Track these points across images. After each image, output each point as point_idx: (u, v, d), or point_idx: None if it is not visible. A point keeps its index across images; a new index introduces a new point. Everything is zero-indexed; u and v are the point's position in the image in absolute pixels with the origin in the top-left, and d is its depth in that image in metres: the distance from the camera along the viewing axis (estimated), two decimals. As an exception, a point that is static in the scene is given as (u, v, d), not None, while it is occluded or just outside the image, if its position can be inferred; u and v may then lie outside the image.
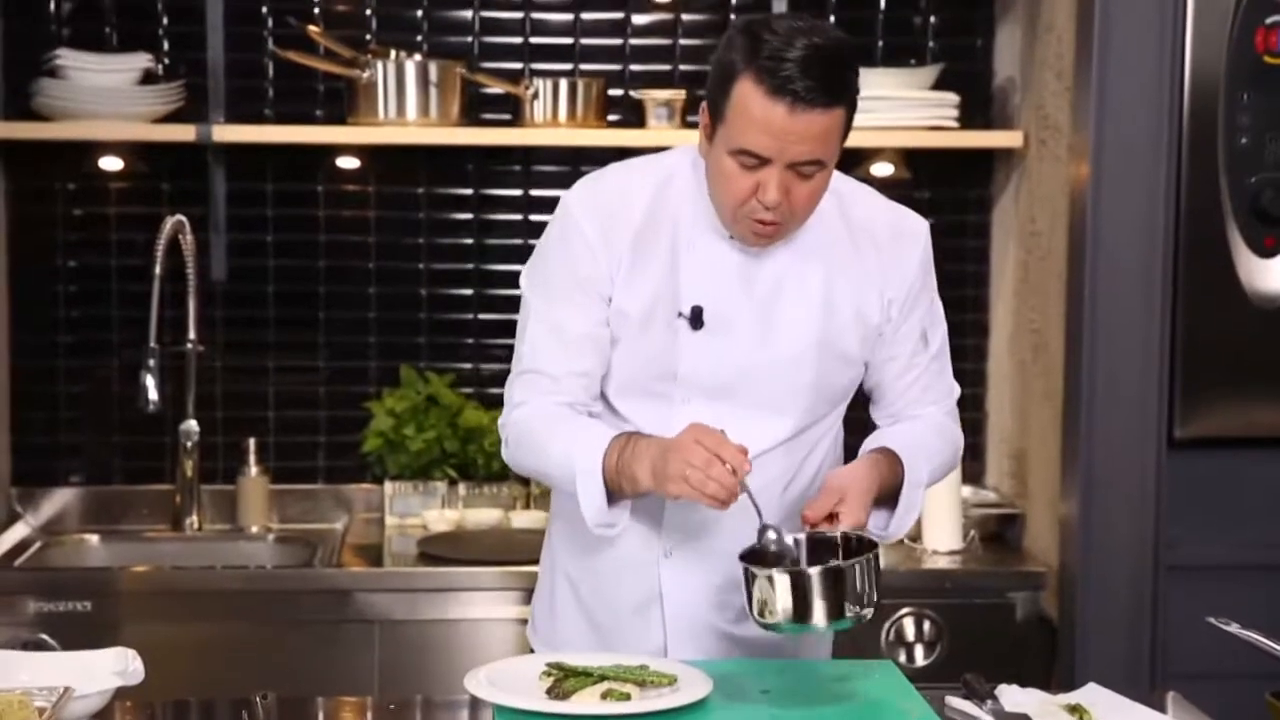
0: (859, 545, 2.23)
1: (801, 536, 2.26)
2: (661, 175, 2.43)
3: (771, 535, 2.25)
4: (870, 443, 2.45)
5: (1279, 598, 3.16)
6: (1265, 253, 3.25)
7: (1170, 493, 3.25)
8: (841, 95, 2.26)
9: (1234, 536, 3.29)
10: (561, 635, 2.54)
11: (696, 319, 2.38)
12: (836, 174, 2.40)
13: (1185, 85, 3.22)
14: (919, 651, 3.37)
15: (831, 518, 2.26)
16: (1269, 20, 3.21)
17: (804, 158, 2.25)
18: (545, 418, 2.39)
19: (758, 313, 2.39)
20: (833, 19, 3.89)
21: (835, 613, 2.16)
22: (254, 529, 3.76)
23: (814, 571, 2.16)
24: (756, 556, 2.23)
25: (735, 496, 2.19)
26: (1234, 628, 2.27)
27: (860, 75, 2.31)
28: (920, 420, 2.50)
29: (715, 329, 2.38)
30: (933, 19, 3.92)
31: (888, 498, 2.36)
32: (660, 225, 2.40)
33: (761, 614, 2.18)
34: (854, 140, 3.39)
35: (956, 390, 2.57)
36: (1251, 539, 3.32)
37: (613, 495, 2.30)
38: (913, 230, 2.47)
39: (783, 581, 2.15)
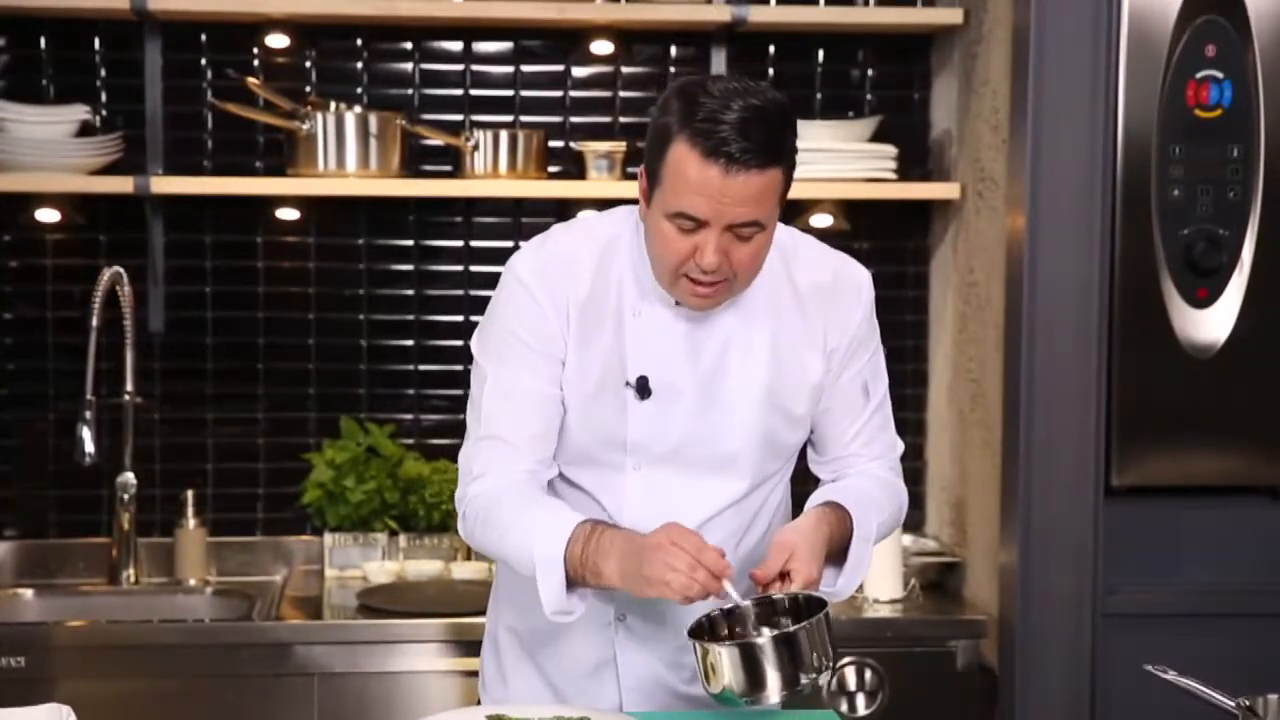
0: (808, 605, 2.20)
1: (747, 602, 2.22)
2: (605, 240, 2.43)
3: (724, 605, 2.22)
4: (816, 498, 2.44)
5: (1215, 645, 3.19)
6: (1198, 304, 3.29)
7: (1107, 541, 3.27)
8: (778, 156, 2.25)
9: (1170, 584, 3.32)
10: (515, 695, 2.52)
11: (643, 389, 2.37)
12: (781, 227, 2.40)
13: (1118, 138, 3.26)
14: (860, 701, 3.37)
15: (783, 576, 2.24)
16: (1200, 74, 3.26)
17: (742, 219, 2.24)
18: (507, 497, 2.35)
19: (705, 378, 2.39)
20: (771, 71, 3.93)
21: (790, 681, 2.12)
22: (192, 582, 3.73)
23: (764, 641, 2.12)
24: (709, 624, 2.21)
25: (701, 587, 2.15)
26: (1171, 675, 2.29)
27: (798, 133, 2.31)
28: (865, 476, 2.50)
29: (662, 397, 2.37)
30: (870, 72, 3.97)
31: (835, 554, 2.35)
32: (606, 294, 2.39)
33: (714, 686, 2.15)
34: (793, 192, 3.41)
35: (900, 446, 2.58)
36: (1187, 587, 3.34)
37: (573, 583, 2.26)
38: (855, 282, 2.48)
39: (732, 654, 2.12)
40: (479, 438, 2.41)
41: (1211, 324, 3.30)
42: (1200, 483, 3.36)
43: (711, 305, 2.35)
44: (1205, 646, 3.10)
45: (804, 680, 2.13)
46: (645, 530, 2.25)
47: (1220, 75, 3.26)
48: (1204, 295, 3.29)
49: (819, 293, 2.44)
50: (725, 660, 2.12)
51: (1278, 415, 3.32)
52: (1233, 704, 2.20)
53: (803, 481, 2.53)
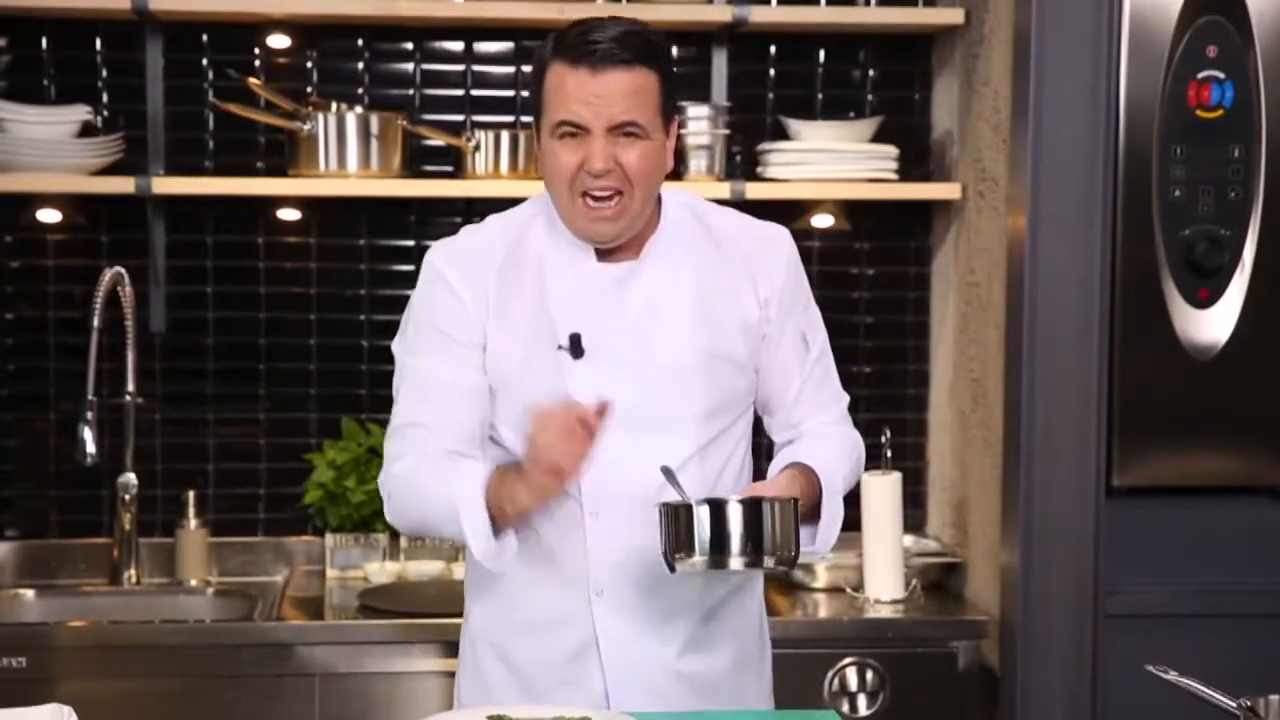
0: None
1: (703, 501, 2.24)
2: (519, 219, 2.52)
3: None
4: (779, 462, 2.48)
5: (1216, 645, 3.19)
6: (1199, 304, 3.29)
7: (1108, 541, 3.27)
8: (643, 56, 2.36)
9: (1171, 585, 3.32)
10: (488, 696, 2.52)
11: (576, 346, 2.41)
12: (694, 196, 2.52)
13: (1120, 139, 3.26)
14: (862, 701, 3.37)
15: None
16: (1201, 75, 3.26)
17: (620, 118, 2.34)
18: (424, 465, 2.39)
19: (636, 332, 2.43)
20: (772, 71, 3.93)
21: (752, 548, 2.19)
22: (193, 582, 3.73)
23: (733, 500, 2.20)
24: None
25: (589, 443, 2.21)
26: (1172, 675, 2.29)
27: (673, 60, 2.44)
28: (820, 433, 2.52)
29: (596, 355, 2.41)
30: (871, 72, 3.96)
31: (808, 513, 2.38)
32: (524, 263, 2.46)
33: (677, 551, 2.20)
34: (794, 192, 3.43)
35: (845, 396, 2.61)
36: (1189, 587, 3.34)
37: (499, 530, 2.30)
38: (774, 235, 2.55)
39: (701, 511, 2.19)
40: (395, 427, 2.46)
41: (1213, 324, 3.30)
42: (1201, 483, 3.36)
43: (612, 229, 2.39)
44: (1207, 647, 3.10)
45: (766, 559, 2.20)
46: (605, 497, 2.34)
47: (1221, 76, 3.26)
48: (1205, 296, 3.29)
49: (738, 244, 2.51)
50: (694, 518, 2.18)
51: (1277, 416, 3.32)
52: (1234, 704, 2.20)
53: (764, 459, 2.53)
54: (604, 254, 2.46)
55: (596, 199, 2.36)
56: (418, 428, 2.42)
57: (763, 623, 2.63)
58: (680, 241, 2.48)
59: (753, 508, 2.21)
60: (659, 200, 2.50)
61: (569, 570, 2.44)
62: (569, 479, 2.25)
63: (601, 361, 2.41)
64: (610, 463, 2.35)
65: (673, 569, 2.24)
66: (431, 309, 2.47)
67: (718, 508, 2.20)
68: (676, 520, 2.22)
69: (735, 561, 2.21)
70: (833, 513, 2.41)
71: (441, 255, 2.51)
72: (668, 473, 2.33)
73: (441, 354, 2.43)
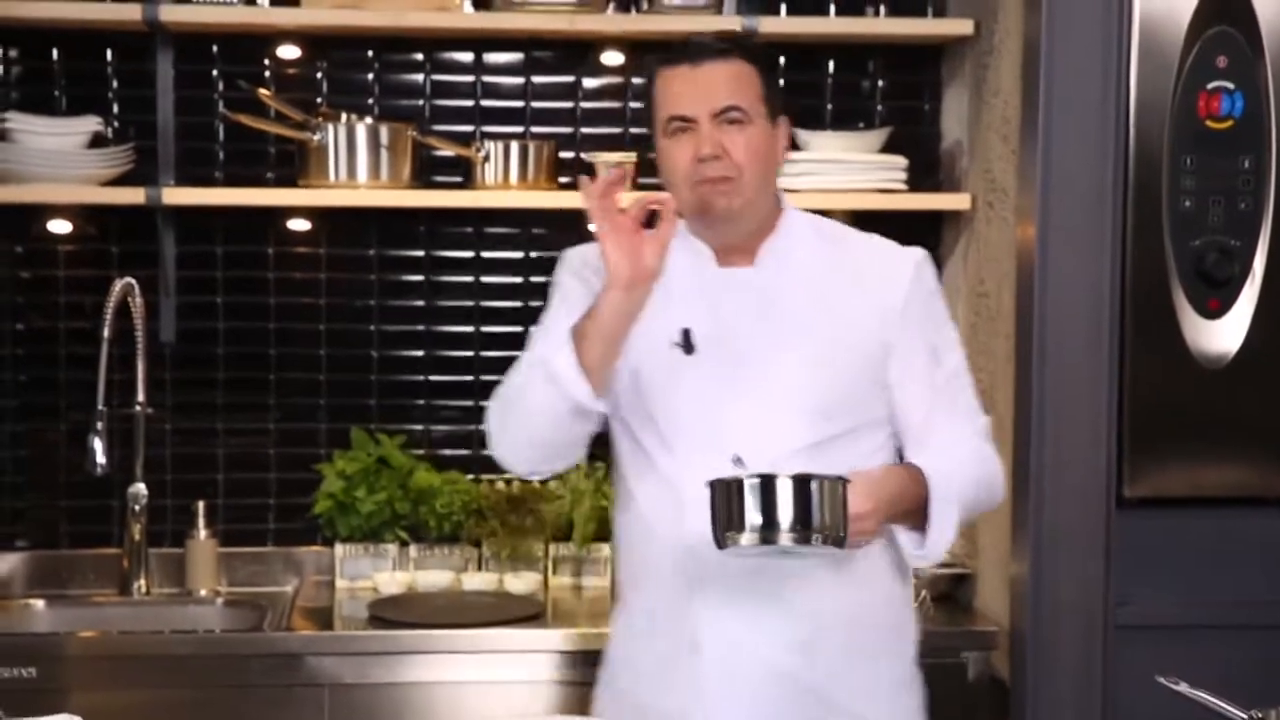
0: None
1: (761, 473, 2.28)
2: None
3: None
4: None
5: (1227, 656, 3.18)
6: (1210, 314, 3.29)
7: (1119, 552, 3.26)
8: (739, 50, 2.52)
9: (1182, 595, 3.31)
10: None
11: (687, 343, 2.50)
12: (823, 219, 2.64)
13: (1130, 149, 3.26)
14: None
15: None
16: (1211, 85, 3.26)
17: (722, 104, 2.47)
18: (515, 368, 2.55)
19: (747, 330, 2.51)
20: (781, 82, 3.92)
21: (801, 524, 2.20)
22: (203, 592, 3.73)
23: (782, 475, 2.21)
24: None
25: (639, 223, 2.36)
26: (1183, 687, 2.28)
27: (770, 56, 2.62)
28: (943, 445, 2.52)
29: (707, 351, 2.50)
30: (880, 83, 3.97)
31: (915, 514, 2.44)
32: None
33: (728, 529, 2.22)
34: (803, 202, 3.43)
35: (982, 416, 2.61)
36: (1199, 598, 3.33)
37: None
38: (900, 253, 2.61)
39: (752, 485, 2.21)
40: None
41: (1223, 335, 3.29)
42: (1212, 494, 3.36)
43: (727, 203, 2.48)
44: (1217, 658, 3.09)
45: (814, 536, 2.21)
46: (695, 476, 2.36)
47: (1231, 86, 3.26)
48: (1215, 306, 3.28)
49: (858, 258, 2.60)
50: (744, 492, 2.21)
51: (1289, 426, 3.32)
52: (1245, 716, 2.20)
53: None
54: (722, 259, 2.55)
55: (709, 181, 2.46)
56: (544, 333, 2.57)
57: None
58: (797, 248, 2.57)
59: (801, 484, 2.21)
60: (779, 209, 2.59)
61: (669, 564, 2.48)
62: (641, 262, 2.36)
63: (712, 357, 2.49)
64: (708, 455, 2.43)
65: (721, 546, 2.26)
66: (561, 297, 2.62)
67: (767, 483, 2.21)
68: (728, 496, 2.23)
69: (784, 538, 2.21)
70: (942, 518, 2.44)
71: (576, 251, 2.68)
72: (738, 462, 2.39)
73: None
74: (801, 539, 2.22)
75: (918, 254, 2.60)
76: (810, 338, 2.50)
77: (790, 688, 2.51)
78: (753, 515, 2.21)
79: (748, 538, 2.22)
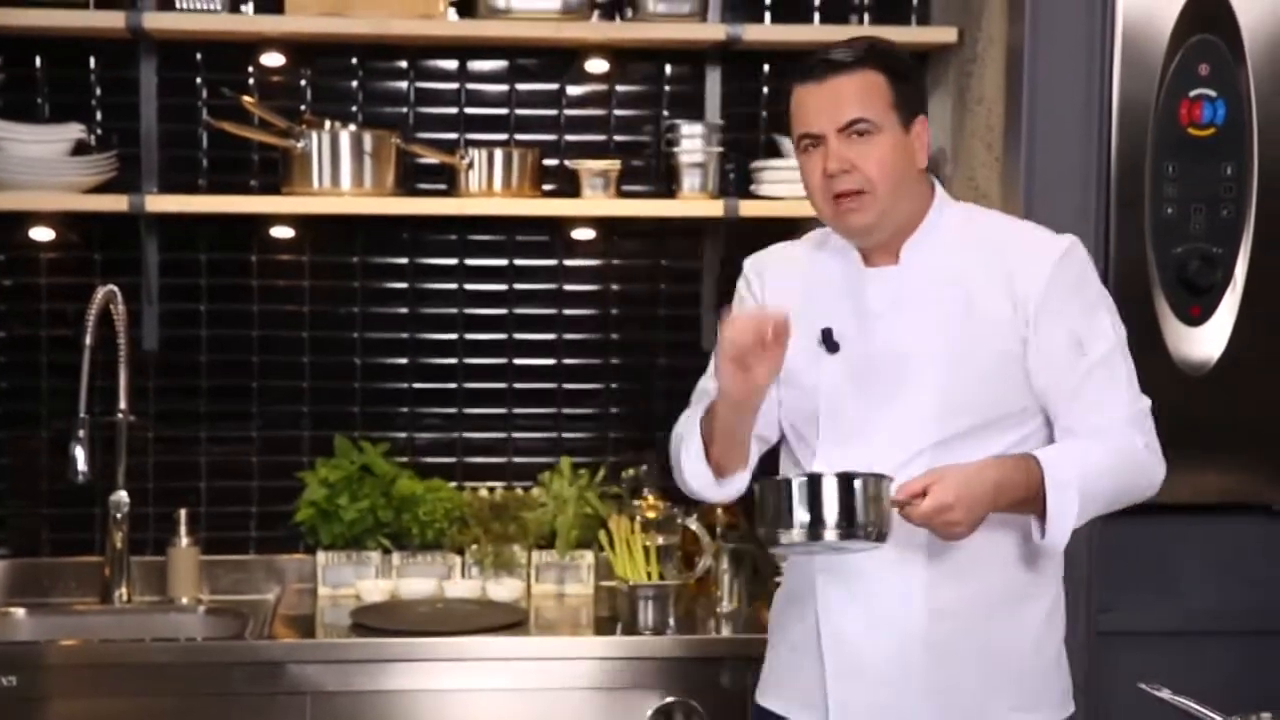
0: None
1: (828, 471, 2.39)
2: (814, 237, 2.75)
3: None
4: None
5: (1210, 664, 3.19)
6: (1192, 321, 3.30)
7: (1101, 559, 3.27)
8: (864, 58, 2.52)
9: (1165, 602, 3.32)
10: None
11: (829, 341, 2.58)
12: (978, 209, 2.71)
13: (1112, 156, 3.27)
14: None
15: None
16: (1193, 93, 3.27)
17: (847, 118, 2.50)
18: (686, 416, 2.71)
19: (884, 329, 2.56)
20: (766, 89, 3.93)
21: (845, 521, 2.31)
22: (184, 600, 3.72)
23: (827, 475, 2.33)
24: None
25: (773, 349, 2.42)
26: (1165, 693, 2.28)
27: (901, 57, 2.59)
28: (1080, 432, 2.53)
29: (847, 349, 2.57)
30: (864, 91, 3.96)
31: (1034, 502, 2.45)
32: (801, 270, 2.69)
33: (778, 525, 2.34)
34: (788, 210, 3.44)
35: (1133, 403, 2.58)
36: (1182, 605, 3.34)
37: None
38: (1044, 239, 2.61)
39: (800, 484, 2.33)
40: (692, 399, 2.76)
41: (1205, 341, 3.30)
42: (1194, 500, 3.36)
43: (862, 220, 2.53)
44: (1200, 665, 3.09)
45: (858, 533, 2.32)
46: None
47: (1213, 94, 3.27)
48: (1197, 313, 3.29)
49: (1000, 245, 2.59)
50: (792, 491, 2.33)
51: (1272, 433, 3.32)
52: (1227, 722, 2.20)
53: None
54: (869, 260, 2.61)
55: (843, 196, 2.51)
56: (704, 393, 2.69)
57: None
58: (939, 244, 2.59)
59: (845, 483, 2.32)
60: (928, 204, 2.62)
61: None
62: (751, 382, 2.43)
63: (852, 355, 2.57)
64: (850, 449, 2.51)
65: (770, 544, 2.39)
66: (738, 306, 2.71)
67: (814, 481, 2.33)
68: (776, 495, 2.35)
69: (829, 533, 2.32)
70: (1060, 506, 2.45)
71: (752, 261, 2.78)
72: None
73: None
74: (846, 535, 2.32)
75: (1064, 242, 2.59)
76: (945, 335, 2.53)
77: (905, 683, 2.54)
78: (800, 513, 2.32)
79: (797, 534, 2.34)
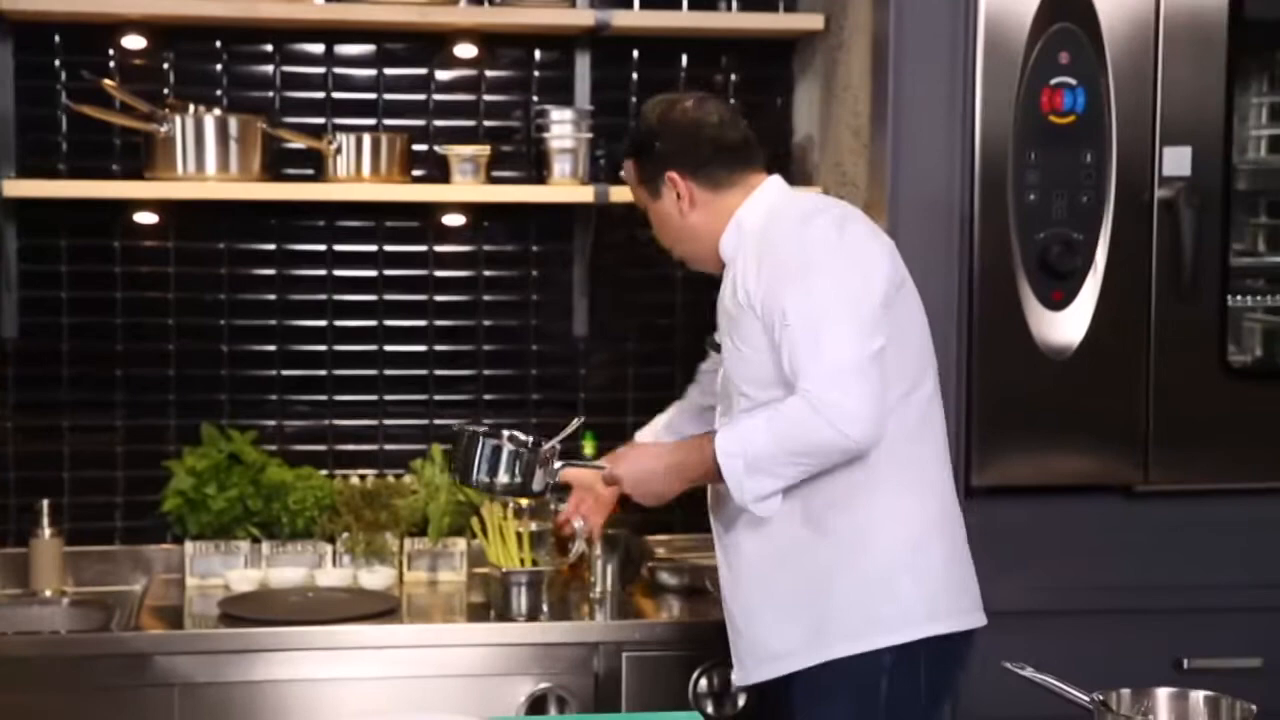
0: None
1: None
2: None
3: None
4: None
5: (1072, 642, 3.24)
6: (1054, 306, 3.35)
7: (968, 540, 3.31)
8: (628, 147, 3.04)
9: (1028, 583, 3.37)
10: None
11: (715, 344, 3.07)
12: (802, 195, 3.08)
13: (976, 143, 3.31)
14: (726, 703, 3.38)
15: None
16: (1054, 81, 3.32)
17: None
18: None
19: (723, 322, 2.96)
20: (635, 76, 3.94)
21: (488, 477, 2.94)
22: (47, 592, 3.65)
23: (482, 437, 2.95)
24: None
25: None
26: (1028, 671, 2.32)
27: (651, 130, 2.99)
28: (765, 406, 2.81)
29: (721, 340, 2.98)
30: (733, 77, 3.99)
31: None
32: None
33: (452, 468, 3.19)
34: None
35: (817, 365, 2.71)
36: (1045, 584, 3.40)
37: None
38: (769, 229, 2.88)
39: (467, 438, 2.97)
40: None
41: (1067, 326, 3.36)
42: (1058, 482, 3.42)
43: (688, 263, 3.10)
44: (1063, 644, 3.14)
45: (497, 489, 2.96)
46: None
47: (1073, 82, 3.32)
48: (1059, 298, 3.35)
49: (755, 240, 2.89)
50: (462, 443, 2.97)
51: (1130, 415, 3.39)
52: (1088, 699, 2.25)
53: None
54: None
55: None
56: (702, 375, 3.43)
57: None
58: (738, 246, 2.92)
59: (495, 448, 2.93)
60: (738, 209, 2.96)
61: None
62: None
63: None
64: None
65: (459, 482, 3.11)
66: None
67: (471, 438, 2.95)
68: (456, 444, 3.01)
69: (477, 483, 2.97)
70: (730, 470, 2.75)
71: None
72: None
73: None
74: (487, 489, 2.98)
75: (781, 225, 2.89)
76: (729, 321, 2.92)
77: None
78: (459, 464, 2.99)
79: (455, 478, 3.18)
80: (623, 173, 3.07)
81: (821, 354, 2.71)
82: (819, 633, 2.83)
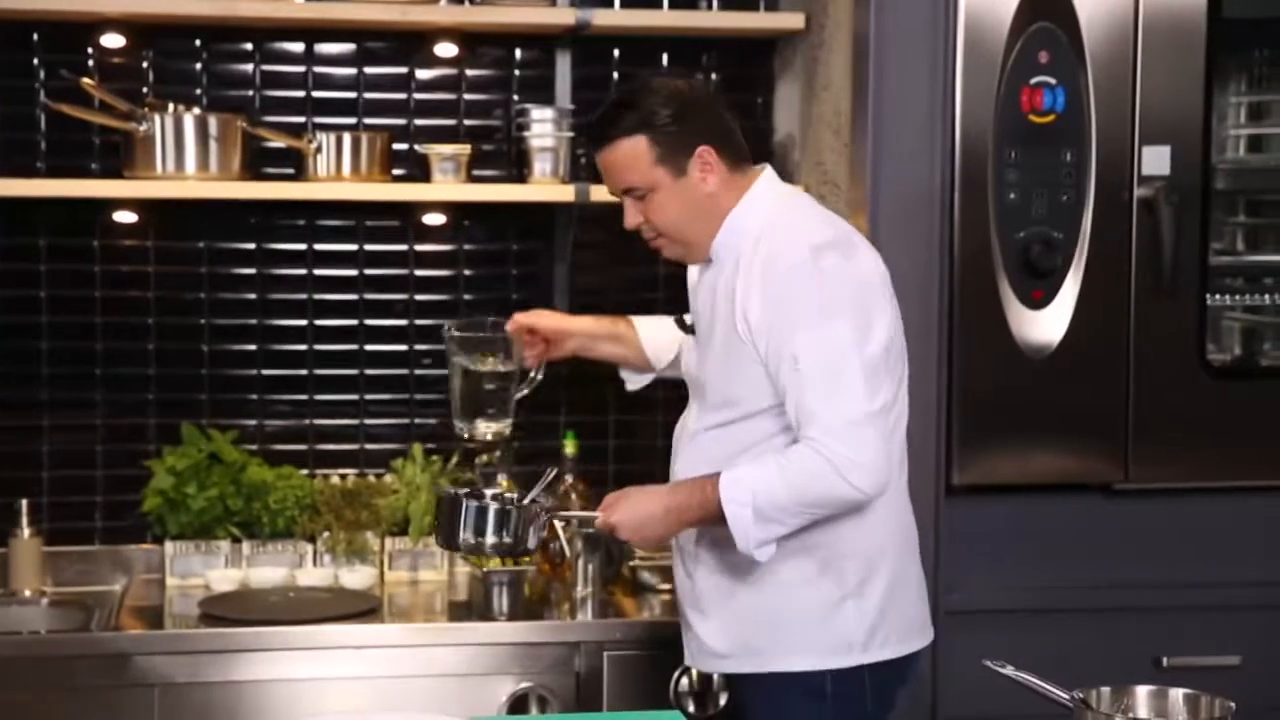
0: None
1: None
2: None
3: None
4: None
5: (1051, 640, 3.25)
6: (1034, 304, 3.36)
7: (947, 539, 3.32)
8: (622, 129, 2.78)
9: (1008, 581, 3.38)
10: None
11: (682, 324, 3.03)
12: (794, 199, 2.93)
13: (956, 143, 3.32)
14: (708, 702, 3.37)
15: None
16: (1034, 80, 3.33)
17: (621, 186, 2.83)
18: None
19: (704, 320, 2.88)
20: (616, 75, 3.94)
21: (476, 542, 2.83)
22: (27, 593, 3.64)
23: (466, 500, 2.84)
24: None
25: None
26: (1009, 670, 2.33)
27: (654, 107, 2.79)
28: (776, 451, 2.72)
29: (697, 335, 2.92)
30: (714, 75, 3.99)
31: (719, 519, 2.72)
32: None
33: (436, 534, 2.97)
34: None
35: (830, 415, 2.67)
36: (1025, 583, 3.41)
37: None
38: (774, 254, 2.75)
39: (447, 502, 2.87)
40: None
41: (1047, 325, 3.37)
42: (1038, 481, 3.43)
43: (671, 254, 2.92)
44: (1042, 642, 3.16)
45: (486, 549, 2.85)
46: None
47: (1053, 81, 3.33)
48: (1039, 296, 3.36)
49: (761, 245, 2.77)
50: (443, 508, 2.88)
51: (1110, 414, 3.40)
52: (1068, 697, 2.25)
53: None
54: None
55: (650, 239, 2.88)
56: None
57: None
58: (736, 249, 2.81)
59: (480, 510, 2.82)
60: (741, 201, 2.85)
61: None
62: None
63: (697, 340, 2.93)
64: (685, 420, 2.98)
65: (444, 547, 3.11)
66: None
67: (454, 502, 2.85)
68: (438, 509, 2.93)
69: (465, 549, 2.89)
70: (736, 519, 2.68)
71: None
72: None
73: None
74: (473, 550, 2.90)
75: (786, 257, 2.74)
76: (721, 333, 2.81)
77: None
78: (444, 528, 2.89)
79: (439, 543, 3.01)
80: (607, 155, 2.83)
81: (834, 405, 2.67)
82: (760, 650, 2.87)
